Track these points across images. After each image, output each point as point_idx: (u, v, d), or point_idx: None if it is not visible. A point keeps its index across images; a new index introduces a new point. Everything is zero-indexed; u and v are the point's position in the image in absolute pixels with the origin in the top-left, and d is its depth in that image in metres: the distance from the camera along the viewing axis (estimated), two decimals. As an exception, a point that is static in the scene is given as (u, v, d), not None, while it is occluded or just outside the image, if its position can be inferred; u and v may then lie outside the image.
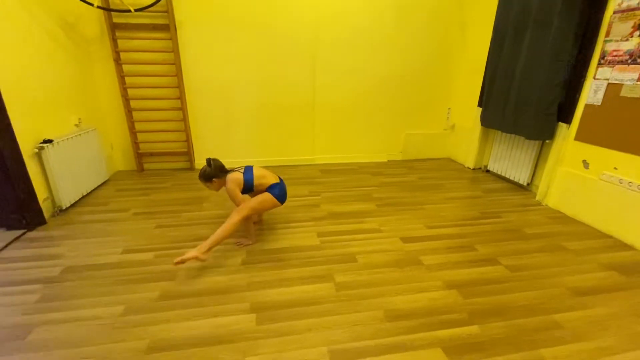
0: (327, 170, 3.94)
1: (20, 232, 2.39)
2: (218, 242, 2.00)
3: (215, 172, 2.19)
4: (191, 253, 1.88)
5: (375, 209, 2.89)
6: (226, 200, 2.99)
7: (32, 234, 2.40)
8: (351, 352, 1.45)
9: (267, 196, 2.20)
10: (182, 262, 1.85)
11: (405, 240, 2.38)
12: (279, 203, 2.25)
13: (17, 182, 2.35)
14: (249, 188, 2.23)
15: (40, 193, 2.52)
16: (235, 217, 2.04)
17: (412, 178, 3.70)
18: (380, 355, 1.44)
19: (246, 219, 2.14)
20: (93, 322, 1.60)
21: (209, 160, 2.19)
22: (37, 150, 2.49)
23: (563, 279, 1.97)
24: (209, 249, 1.96)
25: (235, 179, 2.18)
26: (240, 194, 2.18)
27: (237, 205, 2.14)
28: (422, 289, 1.87)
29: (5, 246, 2.23)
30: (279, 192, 2.24)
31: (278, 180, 2.30)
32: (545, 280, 1.96)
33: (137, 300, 1.75)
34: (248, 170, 2.25)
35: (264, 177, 2.26)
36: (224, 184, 2.22)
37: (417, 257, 2.17)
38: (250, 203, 2.14)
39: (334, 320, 1.63)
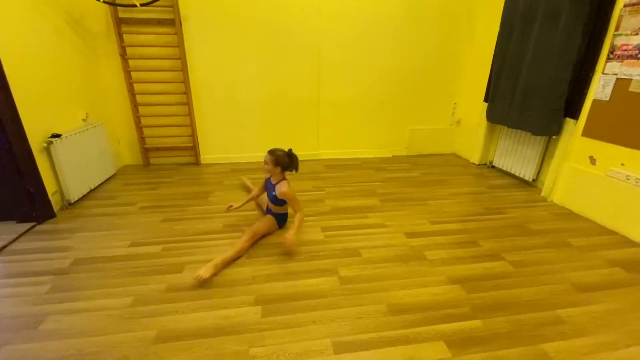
0: (332, 165, 3.95)
1: (30, 224, 2.44)
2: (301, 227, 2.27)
3: (286, 165, 2.29)
4: (291, 236, 2.07)
5: (380, 204, 2.90)
6: (230, 195, 3.03)
7: (41, 227, 2.45)
8: (355, 345, 1.48)
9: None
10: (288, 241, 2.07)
11: (409, 235, 2.39)
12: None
13: (26, 176, 2.39)
14: (280, 201, 2.33)
15: (50, 187, 2.56)
16: (301, 215, 2.22)
17: (416, 173, 3.70)
18: (383, 347, 1.46)
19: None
20: (102, 313, 1.64)
21: (291, 151, 2.31)
22: (45, 144, 2.53)
23: (567, 275, 1.97)
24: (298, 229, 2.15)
25: (291, 187, 2.33)
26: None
27: (297, 204, 2.27)
28: (425, 284, 1.88)
29: (16, 238, 2.28)
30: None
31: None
32: (549, 276, 1.96)
33: (145, 292, 1.79)
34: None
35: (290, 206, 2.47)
36: (278, 177, 2.31)
37: (421, 252, 2.18)
38: (301, 213, 2.25)
39: (338, 313, 1.65)
